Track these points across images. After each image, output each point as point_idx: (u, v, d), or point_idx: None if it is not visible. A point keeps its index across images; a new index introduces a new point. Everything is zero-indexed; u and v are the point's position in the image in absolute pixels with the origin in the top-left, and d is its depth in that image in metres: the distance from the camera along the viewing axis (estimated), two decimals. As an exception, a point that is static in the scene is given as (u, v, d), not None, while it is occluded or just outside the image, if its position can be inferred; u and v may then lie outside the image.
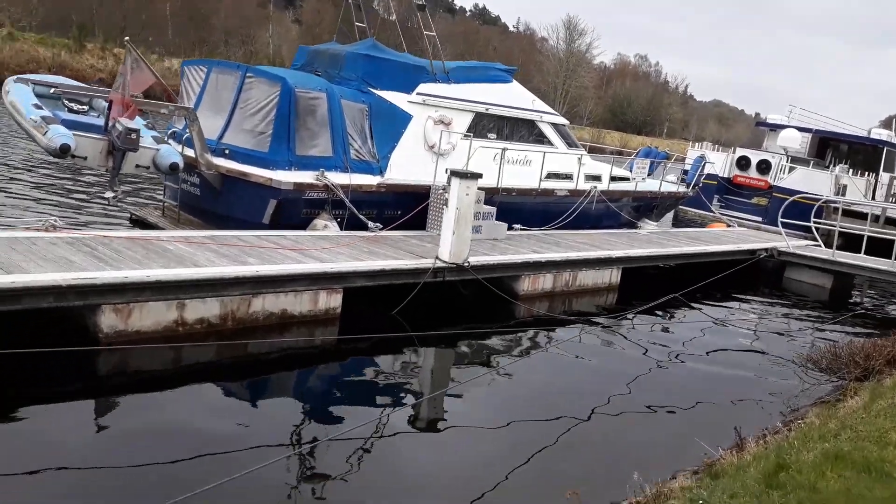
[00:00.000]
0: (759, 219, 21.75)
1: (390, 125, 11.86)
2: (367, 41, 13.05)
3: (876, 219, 20.52)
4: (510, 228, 12.66)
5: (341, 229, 10.69)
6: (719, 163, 24.00)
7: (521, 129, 14.09)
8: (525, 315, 10.04)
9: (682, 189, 18.14)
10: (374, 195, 11.25)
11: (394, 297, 8.91)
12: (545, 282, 10.84)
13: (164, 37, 55.60)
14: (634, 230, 15.46)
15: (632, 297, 11.41)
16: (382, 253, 9.44)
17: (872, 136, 28.98)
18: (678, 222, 22.30)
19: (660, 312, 11.10)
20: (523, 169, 13.80)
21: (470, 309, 9.89)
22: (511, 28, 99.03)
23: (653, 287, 11.80)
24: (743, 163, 24.10)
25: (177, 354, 6.87)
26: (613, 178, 15.65)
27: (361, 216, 10.76)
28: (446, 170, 9.80)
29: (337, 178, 10.77)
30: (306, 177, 10.55)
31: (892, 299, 15.90)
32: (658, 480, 4.52)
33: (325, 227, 10.47)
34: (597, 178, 15.21)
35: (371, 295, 8.93)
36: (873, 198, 25.52)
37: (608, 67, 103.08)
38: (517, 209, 13.27)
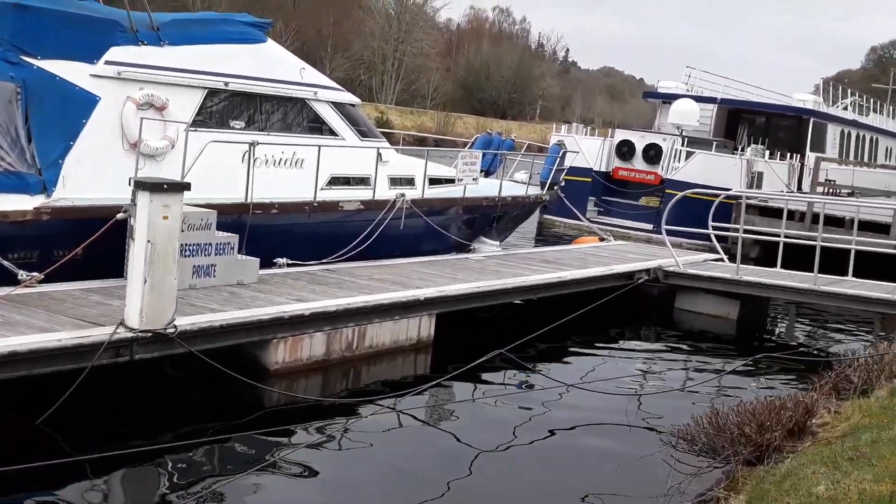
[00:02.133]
0: (650, 226, 22.22)
1: (61, 114, 10.95)
2: (26, -14, 11.87)
3: (801, 217, 21.53)
4: (270, 265, 12.04)
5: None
6: (594, 151, 24.46)
7: (286, 114, 13.55)
8: (279, 402, 9.38)
9: (535, 191, 18.07)
10: (33, 226, 10.16)
11: (56, 393, 7.81)
12: (314, 346, 10.21)
13: None
14: (465, 255, 15.12)
15: (454, 356, 10.97)
16: (26, 323, 8.34)
17: (795, 104, 30.78)
18: (542, 238, 22.42)
19: (490, 377, 10.72)
20: (291, 173, 13.24)
21: (185, 403, 9.12)
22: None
23: (488, 337, 11.49)
24: (625, 150, 24.75)
25: None
26: (433, 181, 15.32)
27: (5, 262, 9.56)
28: (129, 179, 8.90)
29: (-41, 202, 9.51)
30: None
31: (823, 328, 16.44)
32: None
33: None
34: (408, 182, 14.80)
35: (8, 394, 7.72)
36: (798, 187, 27.04)
37: (458, 27, 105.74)
38: (282, 234, 12.65)
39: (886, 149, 38.72)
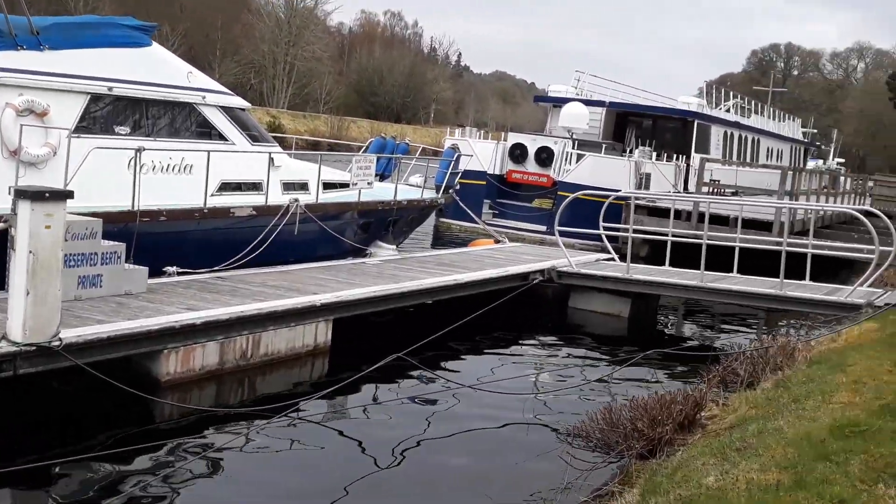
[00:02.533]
0: (544, 228, 22.52)
1: (-67, 122, 10.60)
2: None
3: (688, 216, 22.14)
4: (159, 273, 11.83)
5: None
6: (487, 155, 24.66)
7: (173, 119, 13.40)
8: (171, 414, 9.18)
9: (430, 195, 18.15)
10: None
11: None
12: (207, 356, 9.99)
13: None
14: (361, 260, 15.13)
15: (351, 361, 10.86)
16: None
17: (680, 107, 31.68)
18: (438, 241, 22.50)
19: (388, 381, 10.70)
20: (180, 179, 13.05)
21: (73, 418, 8.86)
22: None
23: (385, 342, 11.41)
24: (518, 153, 25.02)
25: None
26: (328, 186, 15.28)
27: None
28: (9, 188, 8.61)
29: None
30: None
31: (711, 323, 16.92)
32: None
33: None
34: (301, 187, 14.74)
35: None
36: (685, 187, 27.81)
37: (350, 31, 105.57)
38: (171, 242, 12.43)
39: (767, 149, 40.09)
